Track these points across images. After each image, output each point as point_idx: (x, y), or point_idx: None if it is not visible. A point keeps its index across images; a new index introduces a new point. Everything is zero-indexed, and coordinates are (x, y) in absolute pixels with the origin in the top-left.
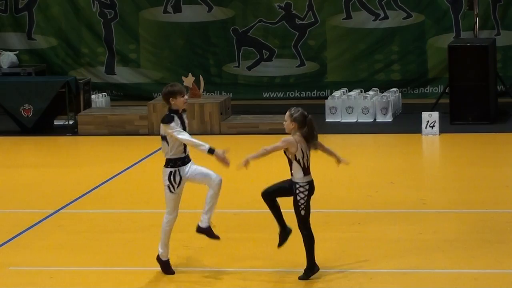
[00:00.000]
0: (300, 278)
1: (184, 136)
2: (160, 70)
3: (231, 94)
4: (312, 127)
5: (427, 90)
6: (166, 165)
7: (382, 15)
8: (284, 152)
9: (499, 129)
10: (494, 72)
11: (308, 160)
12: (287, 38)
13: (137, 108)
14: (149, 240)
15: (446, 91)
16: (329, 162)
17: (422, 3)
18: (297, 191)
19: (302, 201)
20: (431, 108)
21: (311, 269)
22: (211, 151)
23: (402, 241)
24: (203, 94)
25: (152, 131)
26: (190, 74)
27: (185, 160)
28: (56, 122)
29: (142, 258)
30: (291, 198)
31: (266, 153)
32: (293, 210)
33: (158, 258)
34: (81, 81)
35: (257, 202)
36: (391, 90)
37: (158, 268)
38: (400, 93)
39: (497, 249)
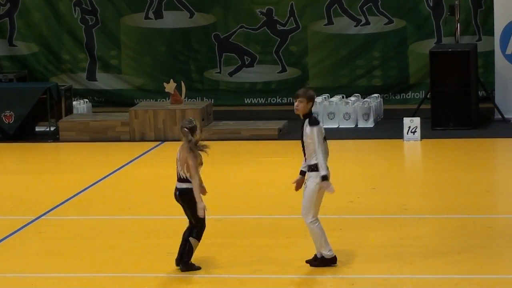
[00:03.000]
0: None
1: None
2: (142, 76)
3: (212, 100)
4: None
5: (408, 95)
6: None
7: (364, 21)
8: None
9: (480, 134)
10: (475, 77)
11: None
12: (269, 44)
13: (118, 114)
14: (131, 246)
15: (428, 96)
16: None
17: (403, 9)
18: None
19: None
20: (412, 114)
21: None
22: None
23: (384, 246)
24: (185, 100)
25: (134, 137)
26: (171, 80)
27: (310, 168)
28: (37, 129)
29: (124, 264)
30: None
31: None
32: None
33: (322, 259)
34: (62, 88)
35: (239, 208)
36: (372, 95)
37: (139, 274)
38: (382, 99)
39: (479, 254)
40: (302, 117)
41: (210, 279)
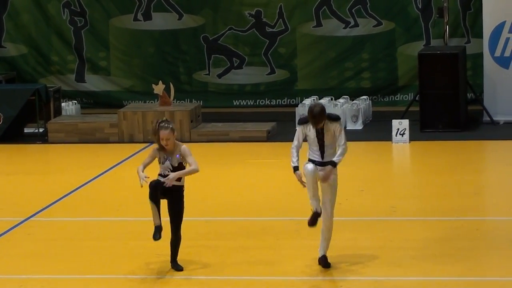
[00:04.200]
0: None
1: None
2: (131, 78)
3: (201, 102)
4: None
5: (397, 97)
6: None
7: (352, 23)
8: (182, 163)
9: (469, 137)
10: (464, 79)
11: None
12: (258, 46)
13: (107, 116)
14: (120, 248)
15: (416, 98)
16: (300, 169)
17: (392, 11)
18: (183, 192)
19: (183, 201)
20: (401, 116)
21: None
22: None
23: (372, 248)
24: (174, 102)
25: (122, 139)
26: (160, 82)
27: (324, 164)
28: (26, 130)
29: (113, 266)
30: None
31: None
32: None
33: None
34: (51, 89)
35: (228, 210)
36: (361, 97)
37: (127, 275)
38: (370, 101)
39: (467, 257)
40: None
41: (199, 281)
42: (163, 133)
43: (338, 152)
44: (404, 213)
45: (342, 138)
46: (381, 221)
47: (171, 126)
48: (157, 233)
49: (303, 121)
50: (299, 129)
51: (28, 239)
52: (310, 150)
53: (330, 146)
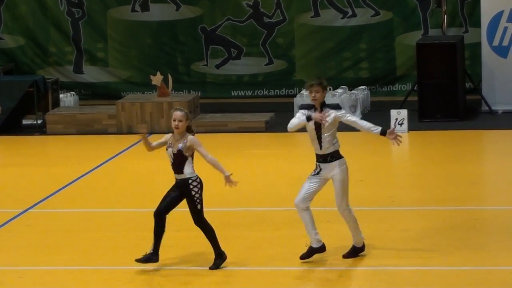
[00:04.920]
0: (211, 268)
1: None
2: (128, 69)
3: (199, 92)
4: None
5: (395, 87)
6: None
7: (350, 13)
8: (182, 151)
9: (467, 126)
10: (462, 69)
11: None
12: (255, 36)
13: (105, 107)
14: (118, 239)
15: (415, 88)
16: (299, 160)
17: (390, 1)
18: (191, 186)
19: (197, 196)
20: (399, 106)
21: (220, 257)
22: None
23: (371, 238)
24: (172, 93)
25: (121, 130)
26: (158, 73)
27: (326, 159)
28: (24, 122)
29: (112, 257)
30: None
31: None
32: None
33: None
34: (49, 80)
35: (226, 201)
36: (359, 87)
37: (126, 266)
38: (369, 91)
39: (466, 246)
40: (317, 106)
41: (197, 271)
42: (176, 114)
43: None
44: (403, 202)
45: (351, 117)
46: (379, 211)
47: (186, 111)
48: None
49: (305, 107)
50: (300, 112)
51: (27, 230)
52: (311, 143)
53: (328, 137)
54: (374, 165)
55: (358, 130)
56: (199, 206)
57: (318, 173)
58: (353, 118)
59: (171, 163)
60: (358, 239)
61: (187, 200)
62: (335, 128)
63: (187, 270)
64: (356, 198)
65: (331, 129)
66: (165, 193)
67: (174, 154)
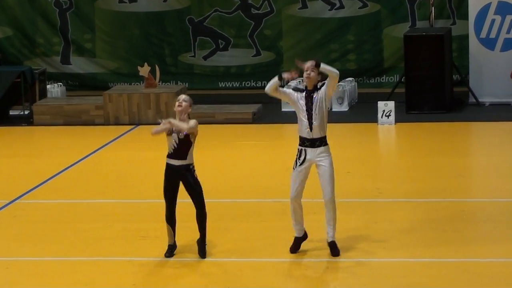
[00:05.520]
0: (202, 256)
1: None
2: (116, 60)
3: (187, 83)
4: None
5: (383, 79)
6: None
7: (338, 4)
8: (189, 136)
9: (454, 118)
10: (449, 61)
11: None
12: (243, 28)
13: (92, 98)
14: (104, 230)
15: (402, 80)
16: (286, 152)
17: None
18: (193, 171)
19: (197, 179)
20: (387, 98)
21: (204, 243)
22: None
23: (358, 230)
24: (159, 84)
25: (108, 121)
26: (145, 64)
27: (314, 143)
28: (11, 112)
29: (98, 248)
30: None
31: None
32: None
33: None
34: (36, 71)
35: (213, 192)
36: (347, 79)
37: (113, 257)
38: (356, 83)
39: (452, 238)
40: (310, 87)
41: (184, 263)
42: (181, 96)
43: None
44: (390, 194)
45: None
46: (366, 202)
47: (190, 98)
48: (168, 251)
49: (297, 89)
50: (290, 89)
51: (14, 221)
52: (299, 127)
53: (318, 117)
54: (361, 157)
55: (345, 122)
56: (200, 190)
57: (303, 161)
58: (328, 80)
59: (172, 149)
60: (334, 231)
61: (188, 185)
62: (326, 110)
63: (174, 262)
64: (343, 190)
65: (322, 108)
66: (159, 186)
67: (180, 139)
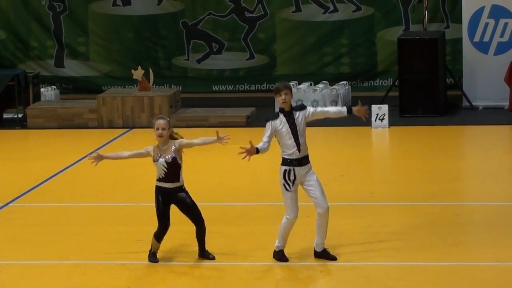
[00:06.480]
0: (212, 258)
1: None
2: (110, 63)
3: (180, 87)
4: None
5: (376, 83)
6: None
7: (332, 8)
8: (176, 158)
9: (448, 122)
10: (443, 65)
11: None
12: (237, 31)
13: (86, 101)
14: (98, 233)
15: (396, 84)
16: (279, 155)
17: None
18: (187, 192)
19: (192, 199)
20: (380, 101)
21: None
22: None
23: (352, 233)
24: (153, 87)
25: (102, 124)
26: (139, 67)
27: (302, 162)
28: (5, 116)
29: (91, 251)
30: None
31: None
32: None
33: (274, 252)
34: (30, 74)
35: (207, 195)
36: (340, 83)
37: (106, 261)
38: (350, 86)
39: (446, 242)
40: (287, 109)
41: (177, 267)
42: (159, 122)
43: (330, 108)
44: (383, 198)
45: (315, 108)
46: (360, 206)
47: (168, 119)
48: (153, 256)
49: (273, 117)
50: (268, 124)
51: (8, 224)
52: (284, 149)
53: (302, 136)
54: (354, 160)
55: (339, 125)
56: (198, 209)
57: (293, 181)
58: (319, 109)
59: (163, 173)
60: (324, 238)
61: (184, 205)
62: (304, 127)
63: (168, 265)
64: (336, 193)
65: (304, 126)
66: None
67: (168, 163)
